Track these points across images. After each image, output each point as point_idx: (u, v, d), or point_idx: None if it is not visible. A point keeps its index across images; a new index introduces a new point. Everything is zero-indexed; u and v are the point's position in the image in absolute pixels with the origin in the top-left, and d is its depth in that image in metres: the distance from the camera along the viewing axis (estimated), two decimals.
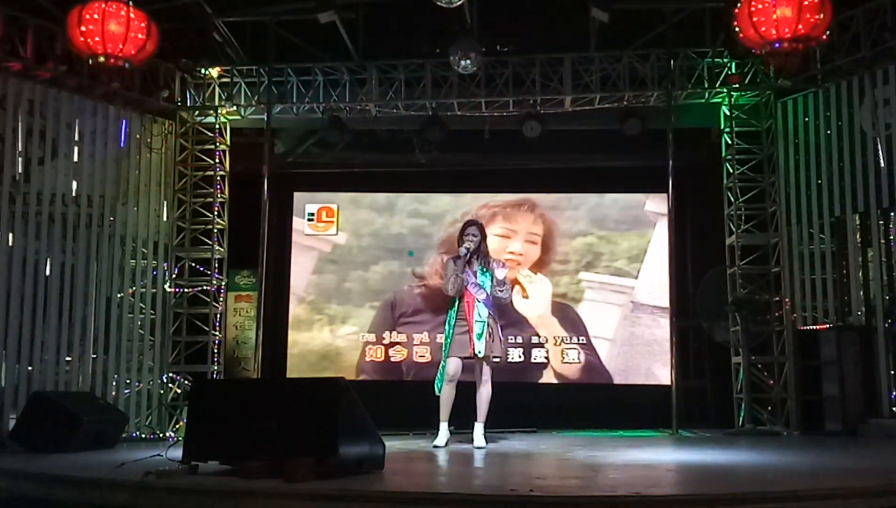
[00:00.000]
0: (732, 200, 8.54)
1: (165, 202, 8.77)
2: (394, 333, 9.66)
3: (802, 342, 8.10)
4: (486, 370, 6.19)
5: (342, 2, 7.92)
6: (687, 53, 8.50)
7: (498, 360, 6.22)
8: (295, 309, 9.88)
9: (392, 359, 9.62)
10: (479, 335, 6.08)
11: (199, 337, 8.75)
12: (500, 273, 6.15)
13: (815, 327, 8.03)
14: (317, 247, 10.01)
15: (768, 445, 6.52)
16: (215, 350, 8.81)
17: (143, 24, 6.81)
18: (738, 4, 6.61)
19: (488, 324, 6.13)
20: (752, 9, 6.45)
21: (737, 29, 6.68)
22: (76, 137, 7.92)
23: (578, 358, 9.45)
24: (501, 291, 6.21)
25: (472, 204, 9.75)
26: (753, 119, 8.60)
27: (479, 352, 6.07)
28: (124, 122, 8.34)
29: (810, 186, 8.22)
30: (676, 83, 8.47)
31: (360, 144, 9.59)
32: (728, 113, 8.64)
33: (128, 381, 8.22)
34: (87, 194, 7.97)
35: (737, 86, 8.46)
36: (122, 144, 8.26)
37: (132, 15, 6.73)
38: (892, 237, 7.60)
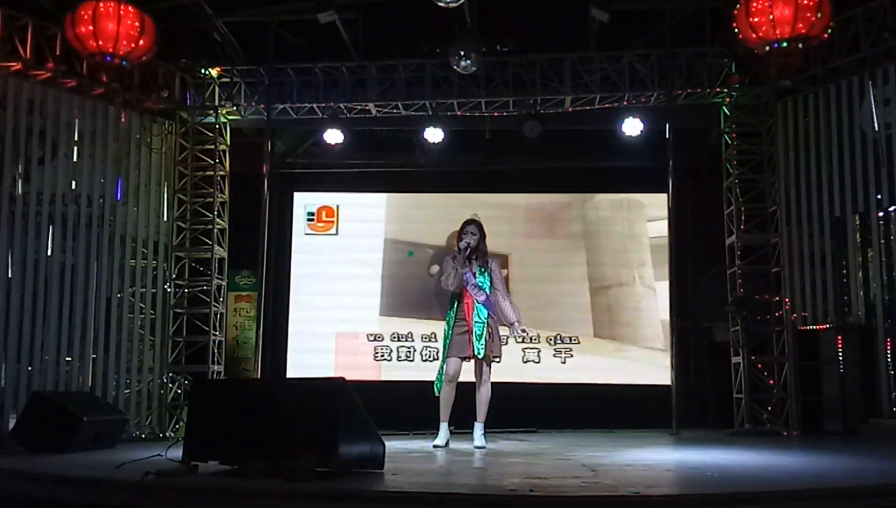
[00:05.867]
0: (732, 200, 8.54)
1: (165, 202, 8.77)
2: (395, 332, 9.65)
3: (802, 342, 8.10)
4: (486, 371, 6.19)
5: (342, 2, 7.92)
6: (687, 53, 8.49)
7: (498, 360, 6.23)
8: (295, 309, 9.88)
9: (393, 359, 9.62)
10: (479, 337, 6.07)
11: (199, 337, 8.75)
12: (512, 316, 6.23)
13: (815, 327, 8.03)
14: (317, 247, 10.01)
15: (768, 445, 6.52)
16: (215, 350, 8.81)
17: (136, 22, 6.79)
18: (738, 5, 6.61)
19: (488, 325, 6.13)
20: (751, 9, 6.45)
21: (736, 29, 6.68)
22: (76, 137, 7.93)
23: (578, 357, 9.46)
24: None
25: (473, 204, 9.73)
26: (753, 119, 8.59)
27: (479, 353, 6.06)
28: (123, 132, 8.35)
29: (810, 186, 8.21)
30: (676, 83, 8.46)
31: (360, 144, 9.59)
32: (728, 113, 8.64)
33: (128, 381, 8.22)
34: (87, 194, 7.97)
35: (737, 86, 8.46)
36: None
37: (122, 12, 6.70)
38: (892, 237, 7.60)
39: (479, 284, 6.18)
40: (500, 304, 6.23)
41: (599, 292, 9.61)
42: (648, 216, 9.71)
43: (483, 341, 6.07)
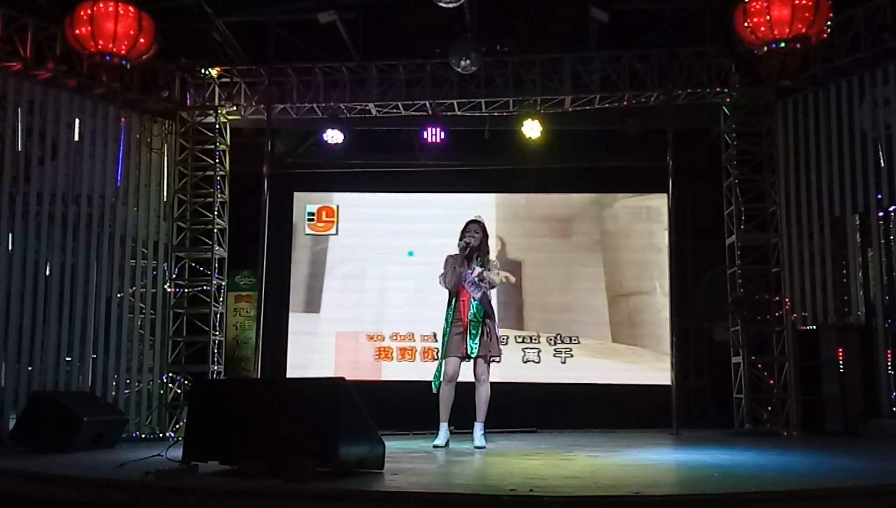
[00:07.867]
0: (732, 200, 8.54)
1: (165, 202, 8.78)
2: (395, 332, 9.65)
3: (802, 342, 8.10)
4: (485, 370, 6.17)
5: (342, 2, 7.92)
6: (687, 53, 8.49)
7: (497, 360, 6.21)
8: (295, 309, 9.88)
9: (392, 359, 9.62)
10: (474, 335, 6.05)
11: (199, 337, 8.75)
12: (478, 271, 6.06)
13: (815, 327, 8.03)
14: (317, 247, 10.01)
15: (768, 445, 6.52)
16: (215, 350, 8.81)
17: (135, 21, 6.79)
18: (737, 5, 6.61)
19: (485, 323, 6.11)
20: (749, 10, 6.45)
21: (735, 29, 6.68)
22: (76, 137, 7.93)
23: (577, 357, 9.46)
24: (481, 283, 6.09)
25: (473, 204, 9.73)
26: (753, 119, 8.59)
27: (472, 352, 6.03)
28: (123, 132, 8.34)
29: (810, 186, 8.21)
30: (676, 83, 8.46)
31: (360, 144, 9.59)
32: (728, 113, 8.64)
33: (128, 381, 8.22)
34: (87, 194, 7.97)
35: (737, 86, 8.46)
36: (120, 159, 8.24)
37: (121, 11, 6.70)
38: (892, 237, 7.60)
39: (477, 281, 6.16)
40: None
41: (618, 300, 9.59)
42: (667, 225, 9.67)
43: (477, 339, 6.04)
